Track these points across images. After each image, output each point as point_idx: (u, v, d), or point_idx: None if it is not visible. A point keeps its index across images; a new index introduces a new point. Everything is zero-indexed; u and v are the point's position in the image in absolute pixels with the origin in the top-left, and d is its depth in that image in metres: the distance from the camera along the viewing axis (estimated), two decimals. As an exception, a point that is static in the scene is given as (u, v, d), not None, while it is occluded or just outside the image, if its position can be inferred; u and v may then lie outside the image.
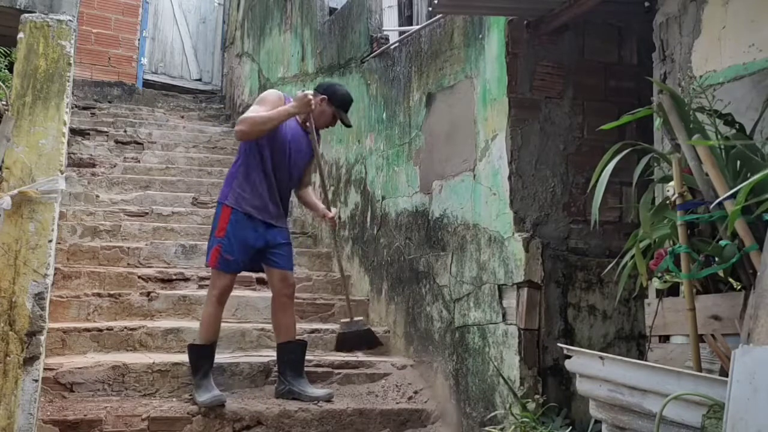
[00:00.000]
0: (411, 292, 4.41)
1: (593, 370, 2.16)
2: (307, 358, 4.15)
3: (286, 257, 3.92)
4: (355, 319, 4.29)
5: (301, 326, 4.58)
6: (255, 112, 3.76)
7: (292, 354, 3.87)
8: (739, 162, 2.25)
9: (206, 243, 5.39)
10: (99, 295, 4.45)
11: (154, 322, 4.35)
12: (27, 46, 3.13)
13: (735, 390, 1.63)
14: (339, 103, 3.96)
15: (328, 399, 3.80)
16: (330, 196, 4.41)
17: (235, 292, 4.84)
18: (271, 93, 3.98)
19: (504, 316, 3.47)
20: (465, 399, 3.74)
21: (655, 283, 2.42)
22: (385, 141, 4.91)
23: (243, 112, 9.03)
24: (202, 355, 3.71)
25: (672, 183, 2.31)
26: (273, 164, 3.83)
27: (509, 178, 3.51)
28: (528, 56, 3.60)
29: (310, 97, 3.80)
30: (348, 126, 4.15)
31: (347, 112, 4.03)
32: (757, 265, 1.98)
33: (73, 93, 6.21)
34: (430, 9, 3.76)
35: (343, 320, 4.32)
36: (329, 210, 4.17)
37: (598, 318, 3.50)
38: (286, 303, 3.89)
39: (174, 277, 4.88)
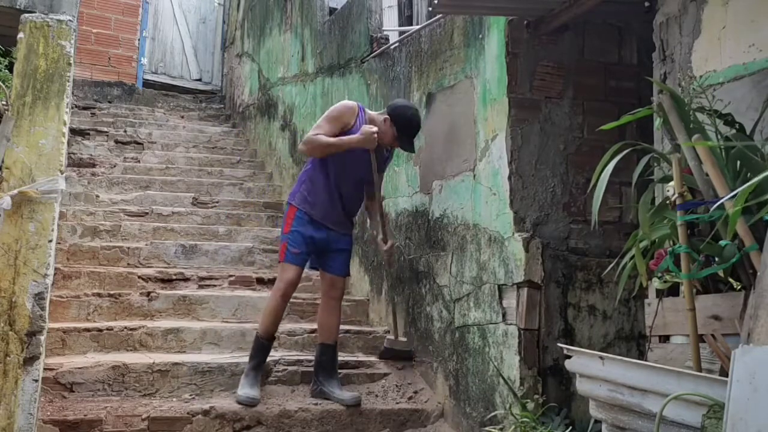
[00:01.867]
0: (411, 292, 4.41)
1: (593, 370, 2.16)
2: (307, 358, 4.16)
3: (341, 263, 4.03)
4: (400, 339, 4.37)
5: (302, 326, 4.58)
6: (322, 129, 3.87)
7: (324, 356, 3.95)
8: (739, 162, 2.25)
9: (206, 243, 5.50)
10: (99, 295, 4.45)
11: (154, 322, 4.35)
12: (27, 46, 3.13)
13: (735, 390, 1.62)
14: (401, 127, 3.91)
15: (356, 403, 3.83)
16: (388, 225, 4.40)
17: (235, 292, 4.88)
18: (343, 109, 3.98)
19: (504, 316, 3.47)
20: (465, 399, 3.74)
21: (655, 283, 2.42)
22: (385, 141, 4.90)
23: (243, 112, 9.09)
24: (257, 346, 3.88)
25: (672, 183, 2.31)
26: (336, 181, 3.95)
27: (509, 178, 3.51)
28: (528, 56, 3.60)
29: (375, 135, 3.82)
30: (409, 152, 4.10)
31: (413, 137, 3.97)
32: (757, 265, 1.98)
33: (73, 93, 6.22)
34: (430, 9, 3.76)
35: (388, 337, 4.40)
36: (386, 241, 4.20)
37: (598, 318, 3.50)
38: (332, 305, 4.02)
39: (174, 277, 4.88)
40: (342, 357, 4.30)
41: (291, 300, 4.81)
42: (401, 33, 5.27)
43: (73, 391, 3.60)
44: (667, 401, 1.82)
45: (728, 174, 2.23)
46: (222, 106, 9.89)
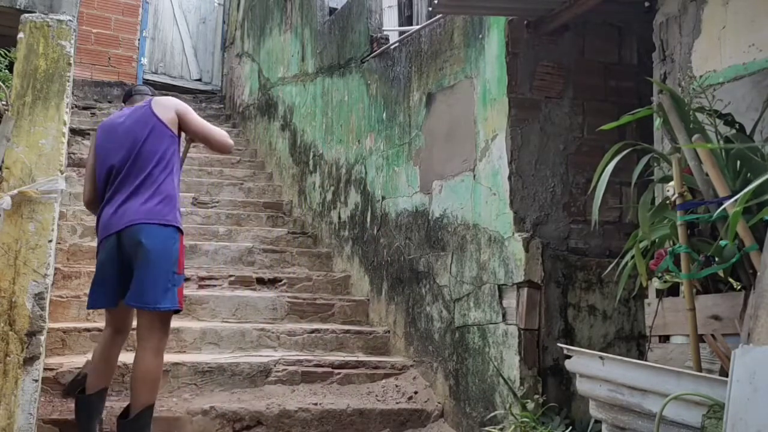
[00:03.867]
0: (411, 292, 4.41)
1: (593, 370, 2.16)
2: (307, 358, 4.16)
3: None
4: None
5: (301, 326, 4.58)
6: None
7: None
8: (739, 162, 2.26)
9: (206, 243, 5.48)
10: (99, 295, 4.44)
11: (154, 322, 4.34)
12: (27, 46, 3.13)
13: (735, 390, 1.63)
14: None
15: None
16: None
17: (235, 292, 4.88)
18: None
19: (504, 316, 3.47)
20: (465, 399, 3.74)
21: (655, 283, 2.42)
22: (385, 141, 4.91)
23: (243, 112, 9.08)
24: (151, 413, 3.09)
25: (672, 183, 2.32)
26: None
27: (509, 178, 3.51)
28: (528, 56, 3.60)
29: None
30: None
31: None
32: (757, 265, 1.98)
33: (73, 93, 6.21)
34: (430, 9, 3.76)
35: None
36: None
37: (598, 318, 3.50)
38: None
39: (174, 277, 4.87)
40: (342, 357, 4.31)
41: (291, 300, 4.85)
42: (401, 33, 5.27)
43: (73, 391, 3.60)
44: (667, 401, 1.82)
45: (728, 174, 2.23)
46: (222, 106, 9.89)
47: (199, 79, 10.32)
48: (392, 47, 4.97)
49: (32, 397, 2.87)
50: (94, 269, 3.28)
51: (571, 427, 3.16)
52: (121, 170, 3.21)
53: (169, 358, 3.91)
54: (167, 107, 3.35)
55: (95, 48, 9.42)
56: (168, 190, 3.20)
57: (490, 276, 3.58)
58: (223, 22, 10.50)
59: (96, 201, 3.31)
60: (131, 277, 3.09)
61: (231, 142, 3.54)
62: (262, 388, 3.94)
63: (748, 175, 2.20)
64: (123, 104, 3.66)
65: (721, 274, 2.20)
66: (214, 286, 4.94)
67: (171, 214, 3.16)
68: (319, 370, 4.14)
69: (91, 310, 4.34)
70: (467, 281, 3.78)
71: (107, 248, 3.15)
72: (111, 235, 3.13)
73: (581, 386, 2.25)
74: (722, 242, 2.14)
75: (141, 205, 3.12)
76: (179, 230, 3.18)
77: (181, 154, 3.46)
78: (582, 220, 3.57)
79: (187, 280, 4.88)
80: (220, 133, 3.48)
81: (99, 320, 4.31)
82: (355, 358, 4.32)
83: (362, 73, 5.38)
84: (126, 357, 3.88)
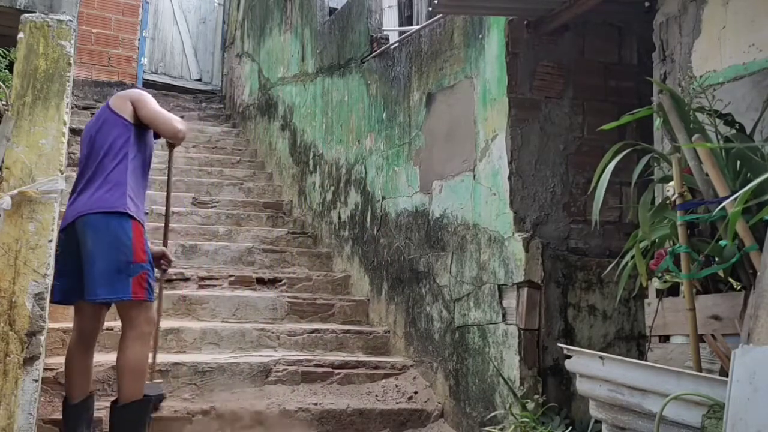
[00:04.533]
0: (411, 292, 4.41)
1: (593, 370, 2.16)
2: (307, 358, 4.16)
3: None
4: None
5: (301, 326, 4.58)
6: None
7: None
8: (739, 162, 2.26)
9: (206, 243, 5.48)
10: (99, 295, 4.44)
11: (154, 322, 4.35)
12: (27, 46, 3.13)
13: (735, 390, 1.63)
14: None
15: None
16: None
17: (235, 292, 4.88)
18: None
19: (504, 316, 3.47)
20: (465, 399, 3.74)
21: (655, 283, 2.42)
22: (385, 141, 4.91)
23: (243, 112, 9.09)
24: (145, 409, 3.12)
25: (672, 183, 2.32)
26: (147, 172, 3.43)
27: (509, 178, 3.51)
28: (528, 56, 3.60)
29: None
30: None
31: None
32: (757, 265, 1.98)
33: (73, 93, 6.21)
34: (430, 9, 3.76)
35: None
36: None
37: (598, 318, 3.50)
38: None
39: (174, 277, 4.87)
40: (342, 357, 4.31)
41: (291, 300, 4.85)
42: (401, 33, 5.27)
43: (73, 391, 3.60)
44: (667, 401, 1.82)
45: (728, 174, 2.23)
46: (222, 106, 9.89)
47: (199, 79, 10.32)
48: (392, 47, 4.97)
49: (32, 397, 2.87)
50: None
51: (571, 427, 3.16)
52: (82, 167, 3.25)
53: (169, 358, 3.92)
54: (123, 98, 3.32)
55: (95, 48, 9.42)
56: (117, 177, 3.11)
57: (490, 276, 3.58)
58: (223, 22, 10.50)
59: None
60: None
61: (181, 127, 3.40)
62: (262, 388, 3.94)
63: (748, 175, 2.20)
64: None
65: (721, 274, 2.20)
66: (214, 286, 4.94)
67: (119, 201, 3.06)
68: (319, 370, 4.14)
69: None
70: (467, 281, 3.78)
71: (62, 241, 3.11)
72: (64, 228, 3.12)
73: (581, 386, 2.25)
74: (722, 242, 2.14)
75: (89, 196, 3.10)
76: (130, 216, 3.06)
77: (140, 141, 3.31)
78: (582, 220, 3.57)
79: (186, 280, 4.90)
80: (168, 118, 3.36)
81: (99, 320, 4.31)
82: (355, 358, 4.32)
83: (362, 73, 5.38)
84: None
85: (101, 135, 3.22)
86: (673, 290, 2.44)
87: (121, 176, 3.12)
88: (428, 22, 4.51)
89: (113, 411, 3.09)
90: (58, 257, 3.12)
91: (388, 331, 4.67)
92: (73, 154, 6.72)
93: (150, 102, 3.34)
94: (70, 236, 3.10)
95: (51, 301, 3.04)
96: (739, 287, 2.17)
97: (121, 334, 3.11)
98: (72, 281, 3.09)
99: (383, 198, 4.89)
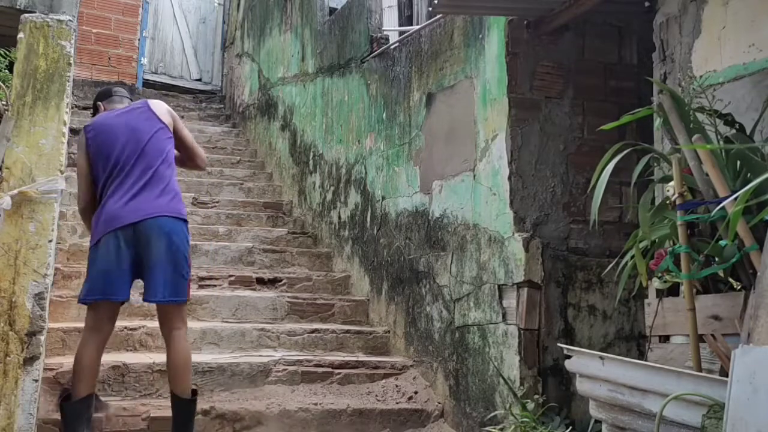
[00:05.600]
0: (411, 292, 4.41)
1: (593, 370, 2.16)
2: (307, 358, 4.16)
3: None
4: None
5: (301, 326, 4.58)
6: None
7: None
8: (739, 162, 2.26)
9: (206, 243, 5.48)
10: (99, 295, 4.43)
11: (154, 322, 4.32)
12: (27, 46, 3.13)
13: (735, 390, 1.63)
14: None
15: None
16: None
17: (235, 292, 4.87)
18: None
19: (504, 316, 3.47)
20: (465, 399, 3.74)
21: (655, 283, 2.42)
22: (385, 141, 4.91)
23: (243, 112, 9.08)
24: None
25: (672, 183, 2.32)
26: None
27: (509, 178, 3.51)
28: (528, 56, 3.60)
29: None
30: None
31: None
32: (757, 265, 1.98)
33: (73, 93, 6.22)
34: (430, 9, 3.76)
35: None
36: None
37: (598, 318, 3.50)
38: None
39: (174, 277, 4.87)
40: (342, 357, 4.30)
41: (291, 300, 4.85)
42: (401, 33, 5.27)
43: (73, 391, 3.60)
44: (667, 401, 1.82)
45: (728, 174, 2.23)
46: (222, 106, 9.89)
47: (199, 79, 10.32)
48: (392, 47, 4.97)
49: (32, 397, 2.88)
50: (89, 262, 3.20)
51: (571, 427, 3.16)
52: (125, 166, 3.23)
53: (169, 358, 3.92)
54: (164, 112, 3.46)
55: (95, 48, 9.42)
56: (176, 188, 3.34)
57: (490, 276, 3.58)
58: (223, 22, 10.50)
59: (93, 205, 3.30)
60: (141, 271, 3.17)
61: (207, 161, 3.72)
62: (262, 388, 3.94)
63: (748, 175, 2.20)
64: (99, 102, 3.61)
65: (721, 274, 2.20)
66: (214, 286, 4.94)
67: (184, 210, 3.34)
68: (319, 370, 4.14)
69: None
70: (467, 281, 3.78)
71: (121, 238, 3.12)
72: (126, 226, 3.13)
73: (581, 386, 2.25)
74: (722, 242, 2.14)
75: (155, 198, 3.20)
76: (186, 223, 3.34)
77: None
78: (582, 220, 3.57)
79: (187, 280, 4.89)
80: (201, 150, 3.68)
81: (99, 320, 4.31)
82: (355, 358, 4.32)
83: (362, 73, 5.38)
84: (126, 357, 3.89)
85: (156, 141, 3.32)
86: (673, 290, 2.44)
87: (177, 186, 3.37)
88: (428, 22, 4.51)
89: (181, 406, 3.19)
90: (100, 257, 3.13)
91: (388, 331, 4.67)
92: (73, 154, 6.72)
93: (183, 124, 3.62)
94: (128, 236, 3.13)
95: (87, 299, 3.15)
96: (739, 287, 2.17)
97: (177, 332, 3.22)
98: (125, 278, 3.17)
99: (383, 198, 4.89)
